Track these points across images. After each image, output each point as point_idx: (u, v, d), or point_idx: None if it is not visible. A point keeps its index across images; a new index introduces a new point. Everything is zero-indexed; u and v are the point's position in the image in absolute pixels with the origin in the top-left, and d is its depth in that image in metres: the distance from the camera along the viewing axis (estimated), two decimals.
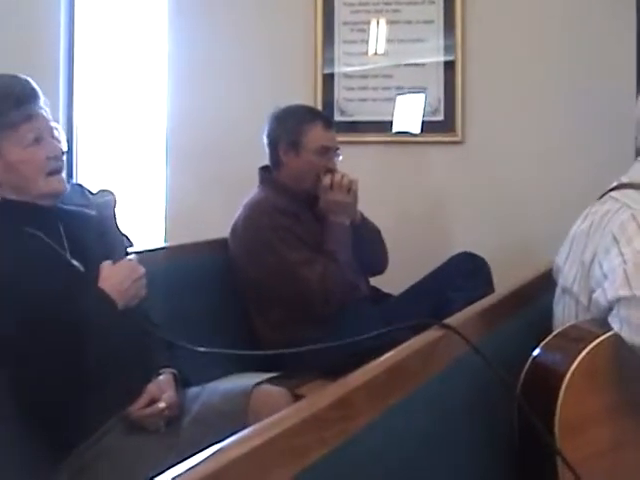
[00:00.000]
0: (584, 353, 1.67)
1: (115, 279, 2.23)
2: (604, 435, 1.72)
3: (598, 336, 1.72)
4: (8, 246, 2.19)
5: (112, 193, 3.82)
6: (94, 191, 3.86)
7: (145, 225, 4.93)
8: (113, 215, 3.58)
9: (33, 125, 2.26)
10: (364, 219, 3.55)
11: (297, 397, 2.40)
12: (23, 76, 2.33)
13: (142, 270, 2.30)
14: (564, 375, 1.63)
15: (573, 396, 1.63)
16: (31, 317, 2.05)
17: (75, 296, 2.15)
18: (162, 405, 2.20)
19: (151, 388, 2.23)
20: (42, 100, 2.33)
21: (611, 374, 1.73)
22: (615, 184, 2.08)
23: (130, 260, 2.32)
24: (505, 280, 2.91)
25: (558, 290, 2.11)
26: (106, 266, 2.26)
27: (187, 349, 2.26)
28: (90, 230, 2.45)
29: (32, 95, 2.30)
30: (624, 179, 2.05)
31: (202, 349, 2.25)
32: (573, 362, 1.65)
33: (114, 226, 2.79)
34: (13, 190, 2.27)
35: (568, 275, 2.04)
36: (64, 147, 2.36)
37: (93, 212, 2.54)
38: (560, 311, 2.06)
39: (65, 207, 2.44)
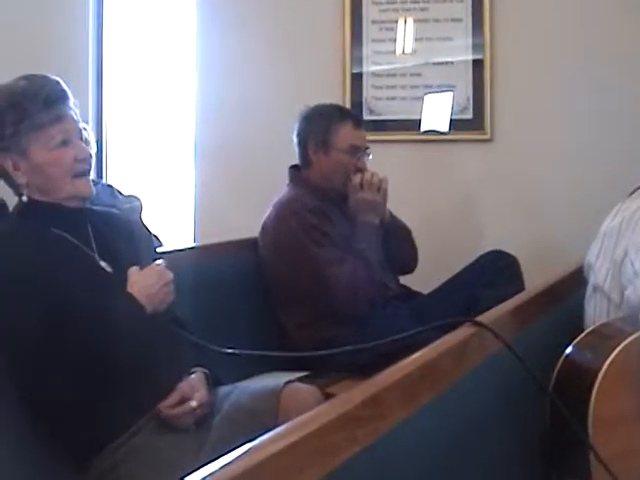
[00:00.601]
0: (617, 351, 1.66)
1: (143, 284, 2.22)
2: (637, 433, 1.71)
3: (630, 334, 1.71)
4: (33, 247, 2.19)
5: (138, 199, 3.86)
6: (124, 192, 3.89)
7: (174, 225, 4.94)
8: (139, 220, 3.61)
9: (62, 126, 2.24)
10: (393, 218, 3.54)
11: (328, 396, 2.40)
12: (53, 76, 2.31)
13: (170, 275, 2.29)
14: (597, 373, 1.62)
15: (606, 394, 1.62)
16: (59, 318, 2.06)
17: (103, 298, 2.15)
18: (193, 404, 2.19)
19: (183, 387, 2.22)
20: (72, 101, 2.30)
21: None
22: None
23: (158, 265, 2.30)
24: (535, 278, 2.91)
25: (589, 288, 2.10)
26: (134, 271, 2.26)
27: (214, 351, 2.26)
28: (119, 231, 2.45)
29: (62, 96, 2.27)
30: None
31: (230, 350, 2.25)
32: (606, 360, 1.64)
33: (142, 230, 2.79)
34: (40, 191, 2.26)
35: (599, 273, 2.03)
36: (93, 149, 2.34)
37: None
38: (591, 309, 2.05)
39: (94, 208, 2.44)
